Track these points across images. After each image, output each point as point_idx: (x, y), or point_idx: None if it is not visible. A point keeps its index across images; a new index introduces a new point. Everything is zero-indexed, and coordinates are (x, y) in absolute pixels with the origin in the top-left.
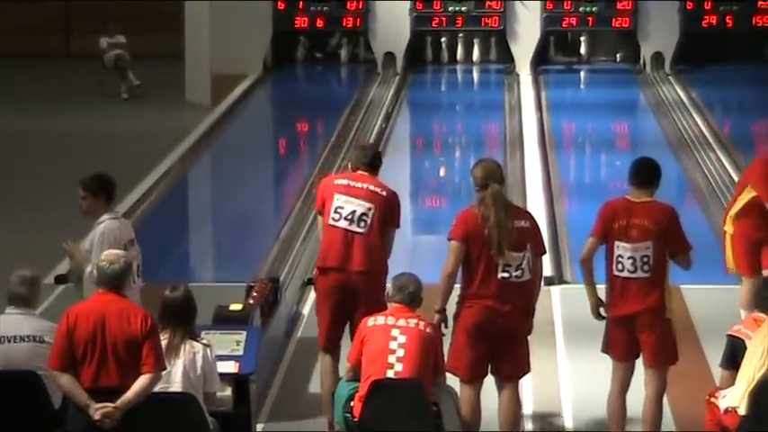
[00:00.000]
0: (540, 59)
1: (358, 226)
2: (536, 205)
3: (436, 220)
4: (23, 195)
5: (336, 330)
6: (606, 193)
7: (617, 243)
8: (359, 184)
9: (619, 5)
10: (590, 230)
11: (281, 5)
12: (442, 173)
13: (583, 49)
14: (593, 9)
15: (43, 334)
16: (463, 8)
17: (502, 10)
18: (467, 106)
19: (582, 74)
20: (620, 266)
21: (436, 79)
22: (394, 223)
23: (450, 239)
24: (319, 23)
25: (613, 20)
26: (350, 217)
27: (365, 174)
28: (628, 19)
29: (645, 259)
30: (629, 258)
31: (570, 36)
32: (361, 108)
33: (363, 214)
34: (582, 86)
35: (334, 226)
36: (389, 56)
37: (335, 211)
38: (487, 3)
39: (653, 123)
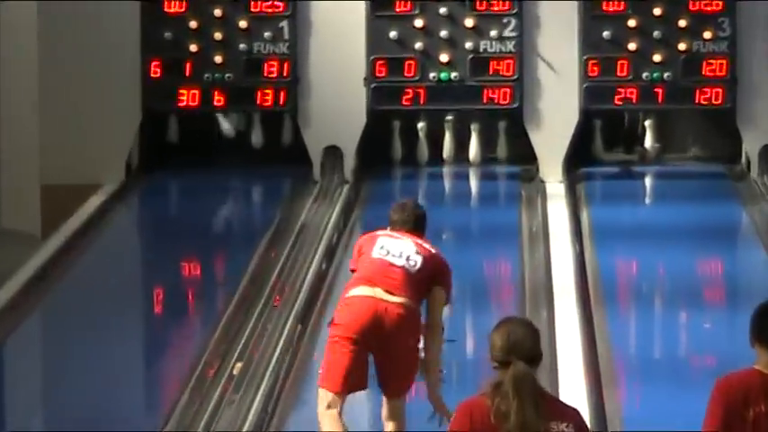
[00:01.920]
0: (580, 157)
1: (406, 261)
2: (574, 393)
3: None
4: None
5: (354, 375)
6: (687, 375)
7: None
8: (406, 236)
9: (706, 69)
10: (704, 423)
11: (155, 72)
12: (421, 344)
13: (648, 141)
14: (665, 75)
15: None
16: (453, 74)
17: (516, 77)
18: (461, 233)
19: (647, 180)
20: None
21: (409, 188)
22: (445, 285)
23: None
24: (218, 100)
25: (697, 92)
26: (397, 254)
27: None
28: (721, 91)
29: None
30: None
31: (628, 119)
32: (288, 236)
33: (410, 257)
34: (647, 200)
35: (376, 258)
36: (333, 152)
37: (381, 248)
38: (493, 65)
39: (762, 258)
